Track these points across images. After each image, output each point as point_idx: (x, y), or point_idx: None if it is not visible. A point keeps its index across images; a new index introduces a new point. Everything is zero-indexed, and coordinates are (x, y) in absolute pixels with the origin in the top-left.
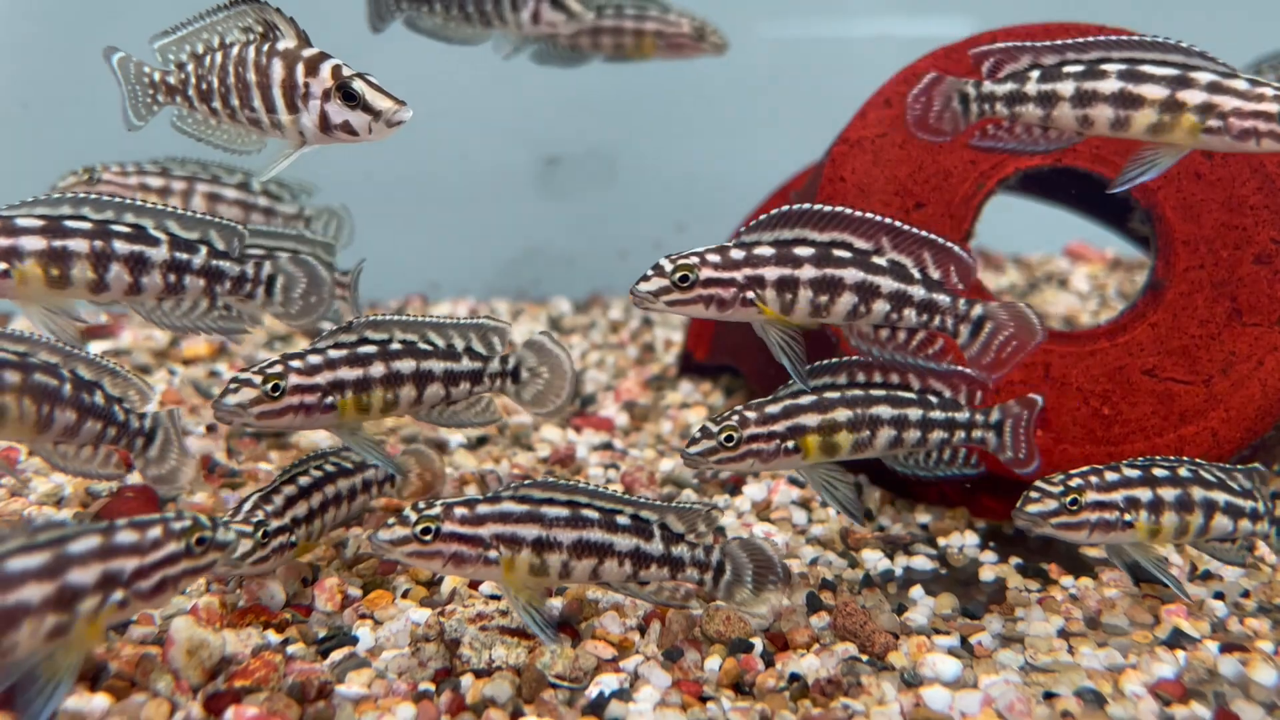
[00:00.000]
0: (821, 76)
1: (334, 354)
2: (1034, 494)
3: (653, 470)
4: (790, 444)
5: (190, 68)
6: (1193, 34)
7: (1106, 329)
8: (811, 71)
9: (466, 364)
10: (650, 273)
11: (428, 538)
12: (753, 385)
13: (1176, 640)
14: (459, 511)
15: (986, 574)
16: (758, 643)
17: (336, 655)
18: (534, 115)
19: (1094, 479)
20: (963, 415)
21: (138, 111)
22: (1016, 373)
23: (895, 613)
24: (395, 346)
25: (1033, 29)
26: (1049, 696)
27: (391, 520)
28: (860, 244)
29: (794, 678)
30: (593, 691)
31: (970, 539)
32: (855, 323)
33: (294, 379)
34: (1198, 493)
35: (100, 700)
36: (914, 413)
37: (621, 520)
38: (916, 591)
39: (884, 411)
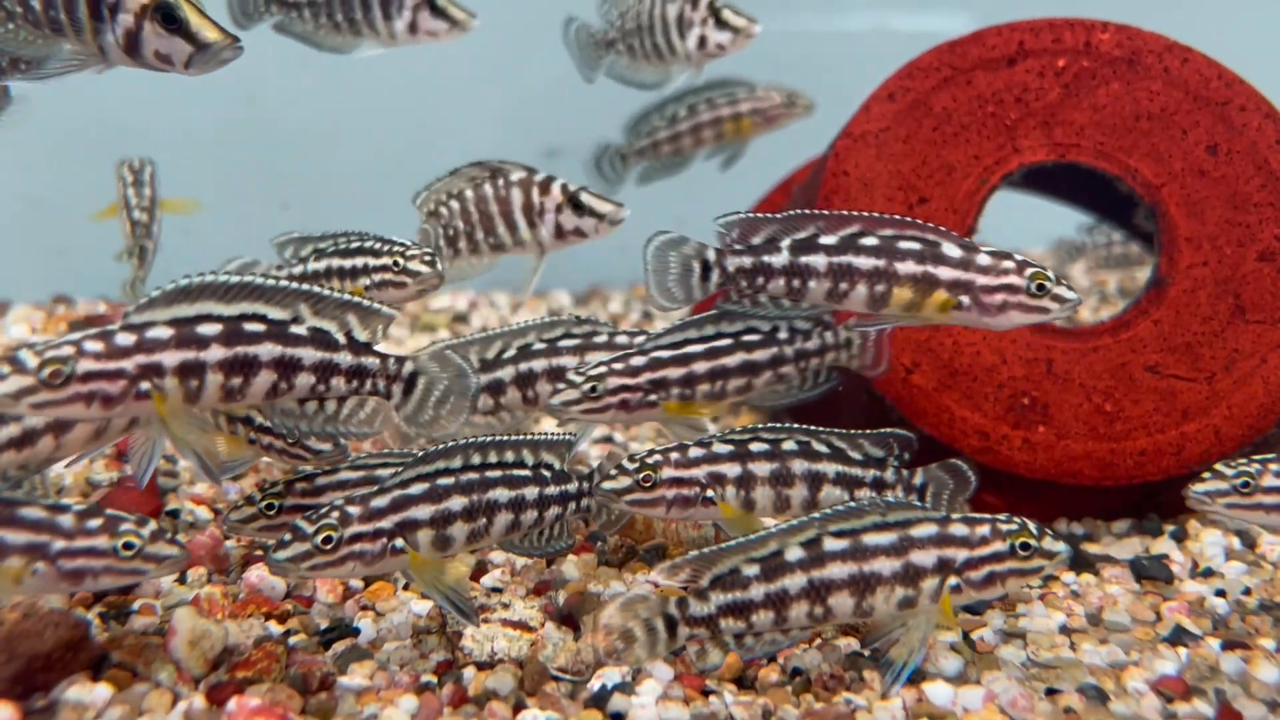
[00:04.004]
0: (823, 71)
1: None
2: (614, 471)
3: None
4: (398, 542)
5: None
6: (1190, 32)
7: (1109, 325)
8: (813, 66)
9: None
10: (7, 370)
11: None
12: None
13: (1178, 637)
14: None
15: None
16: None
17: (338, 647)
18: (534, 106)
19: (675, 455)
20: (572, 487)
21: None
22: (1019, 369)
23: None
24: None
25: (1036, 24)
26: (1051, 693)
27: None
28: (276, 314)
29: (796, 672)
30: (595, 684)
31: None
32: (276, 401)
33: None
34: (799, 465)
35: (102, 690)
36: (531, 492)
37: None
38: None
39: (501, 495)
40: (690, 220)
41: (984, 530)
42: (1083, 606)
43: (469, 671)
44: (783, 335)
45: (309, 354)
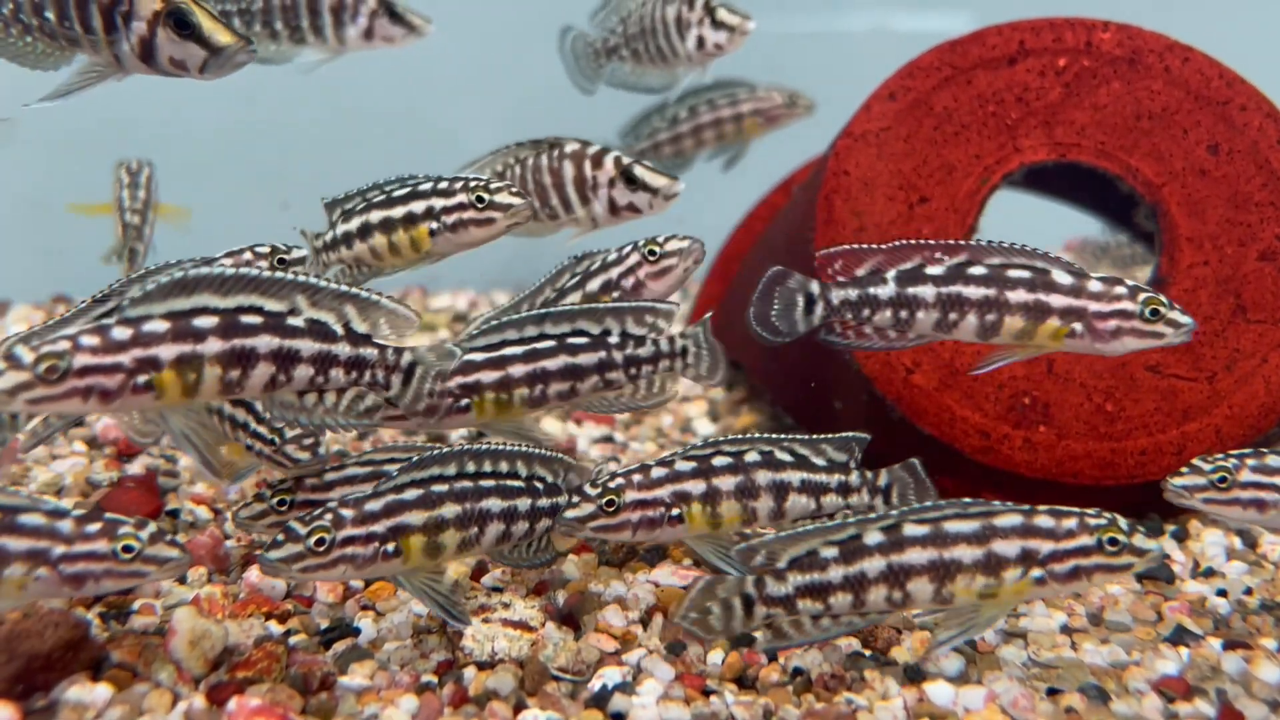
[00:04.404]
0: (824, 71)
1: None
2: (576, 498)
3: None
4: (390, 546)
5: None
6: (1190, 32)
7: None
8: (813, 66)
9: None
10: (2, 366)
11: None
12: (754, 380)
13: (1180, 637)
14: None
15: None
16: (761, 636)
17: (339, 646)
18: (535, 107)
19: (637, 477)
20: (563, 499)
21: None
22: (1019, 368)
23: None
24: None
25: (1037, 23)
26: (1053, 693)
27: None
28: (273, 306)
29: (797, 672)
30: (595, 684)
31: None
32: (275, 393)
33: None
34: (763, 476)
35: (102, 690)
36: (523, 503)
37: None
38: None
39: (494, 505)
40: (690, 220)
41: (1071, 523)
42: (1084, 606)
43: (469, 671)
44: (613, 339)
45: (307, 346)
